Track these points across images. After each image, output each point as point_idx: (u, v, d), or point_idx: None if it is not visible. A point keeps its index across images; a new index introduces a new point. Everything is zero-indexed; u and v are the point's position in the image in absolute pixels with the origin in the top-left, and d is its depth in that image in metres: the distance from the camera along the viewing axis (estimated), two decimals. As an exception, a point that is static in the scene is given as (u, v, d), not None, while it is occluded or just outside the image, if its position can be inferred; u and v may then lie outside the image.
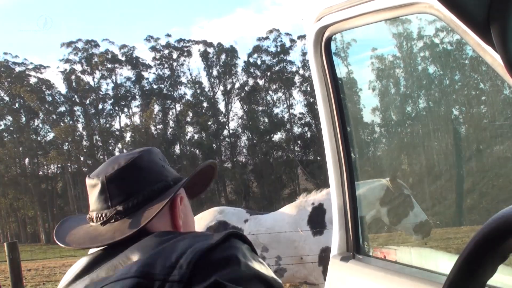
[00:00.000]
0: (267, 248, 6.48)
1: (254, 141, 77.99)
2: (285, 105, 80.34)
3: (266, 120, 78.31)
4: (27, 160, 78.35)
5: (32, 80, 78.75)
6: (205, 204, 68.42)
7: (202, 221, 6.87)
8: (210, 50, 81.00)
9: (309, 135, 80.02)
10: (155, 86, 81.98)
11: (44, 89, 78.75)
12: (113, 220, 1.17)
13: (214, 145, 79.43)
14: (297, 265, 6.35)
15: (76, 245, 1.22)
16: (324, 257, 6.19)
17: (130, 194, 1.18)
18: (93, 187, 1.21)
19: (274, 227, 6.54)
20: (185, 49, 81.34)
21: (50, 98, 79.88)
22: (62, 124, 77.87)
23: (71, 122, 79.66)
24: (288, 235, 6.44)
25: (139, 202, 1.18)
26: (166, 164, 1.30)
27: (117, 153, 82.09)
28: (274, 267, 6.40)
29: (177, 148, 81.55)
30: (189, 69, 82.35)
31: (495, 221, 0.69)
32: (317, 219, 6.42)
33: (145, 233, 1.11)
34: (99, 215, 1.19)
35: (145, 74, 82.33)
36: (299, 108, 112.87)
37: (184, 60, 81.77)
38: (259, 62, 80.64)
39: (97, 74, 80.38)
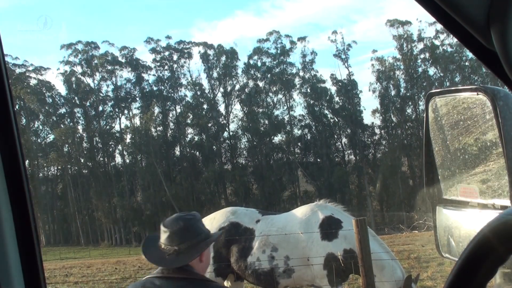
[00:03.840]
0: (277, 248, 6.49)
1: (254, 143, 77.96)
2: (285, 107, 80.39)
3: (266, 122, 78.28)
4: (27, 162, 78.31)
5: (32, 82, 78.87)
6: (205, 206, 68.38)
7: (215, 221, 6.84)
8: (210, 52, 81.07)
9: (309, 137, 79.99)
10: (155, 88, 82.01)
11: (44, 91, 78.78)
12: (173, 255, 2.21)
13: (214, 147, 79.43)
14: (304, 267, 6.36)
15: (152, 261, 2.29)
16: (328, 261, 6.23)
17: (182, 241, 2.22)
18: (164, 232, 2.28)
19: (286, 227, 6.56)
20: (185, 50, 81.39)
21: (50, 100, 79.92)
22: (62, 126, 77.89)
23: (71, 124, 79.67)
24: (297, 235, 6.46)
25: (186, 247, 2.22)
26: (202, 225, 2.35)
27: (117, 155, 79.62)
28: (282, 268, 6.42)
29: (177, 150, 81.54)
30: (189, 71, 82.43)
31: (495, 223, 0.69)
32: (330, 227, 6.45)
33: (186, 265, 2.22)
34: (165, 248, 2.24)
35: (145, 76, 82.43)
36: (299, 110, 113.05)
37: (184, 62, 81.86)
38: (259, 64, 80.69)
39: (97, 76, 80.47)
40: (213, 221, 6.86)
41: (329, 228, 6.41)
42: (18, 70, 77.12)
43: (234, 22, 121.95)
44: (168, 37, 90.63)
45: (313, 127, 79.94)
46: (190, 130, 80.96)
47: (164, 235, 2.27)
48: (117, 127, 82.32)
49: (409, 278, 5.88)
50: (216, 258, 6.63)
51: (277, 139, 79.53)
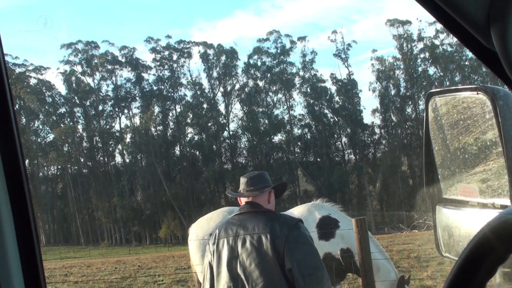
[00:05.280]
0: None
1: (254, 142, 77.95)
2: (285, 107, 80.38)
3: (266, 121, 78.27)
4: (27, 161, 78.26)
5: (32, 81, 78.83)
6: (205, 206, 68.34)
7: (212, 221, 6.76)
8: (210, 51, 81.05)
9: (309, 137, 79.98)
10: (155, 88, 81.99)
11: (44, 91, 78.76)
12: (249, 191, 3.14)
13: (214, 146, 79.41)
14: None
15: (233, 196, 3.30)
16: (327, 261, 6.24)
17: (256, 184, 3.15)
18: (243, 180, 3.22)
19: None
20: (185, 50, 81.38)
21: (50, 100, 79.89)
22: (62, 125, 77.87)
23: (71, 123, 79.64)
24: None
25: (259, 188, 3.14)
26: (268, 177, 3.26)
27: (117, 155, 79.97)
28: None
29: (177, 150, 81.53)
30: (189, 71, 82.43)
31: (495, 222, 0.69)
32: (327, 226, 6.44)
33: (256, 202, 3.14)
34: (243, 191, 3.17)
35: (145, 75, 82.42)
36: (299, 109, 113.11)
37: (184, 62, 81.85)
38: (259, 63, 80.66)
39: (97, 76, 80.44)
40: (209, 221, 6.79)
41: (327, 228, 6.41)
42: (18, 70, 77.09)
43: (234, 21, 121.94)
44: (168, 37, 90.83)
45: (313, 127, 79.93)
46: (190, 130, 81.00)
47: (242, 182, 3.24)
48: (117, 127, 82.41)
49: (402, 279, 5.94)
50: None
51: (277, 138, 79.59)
